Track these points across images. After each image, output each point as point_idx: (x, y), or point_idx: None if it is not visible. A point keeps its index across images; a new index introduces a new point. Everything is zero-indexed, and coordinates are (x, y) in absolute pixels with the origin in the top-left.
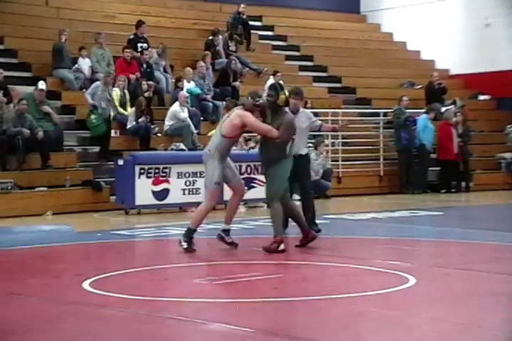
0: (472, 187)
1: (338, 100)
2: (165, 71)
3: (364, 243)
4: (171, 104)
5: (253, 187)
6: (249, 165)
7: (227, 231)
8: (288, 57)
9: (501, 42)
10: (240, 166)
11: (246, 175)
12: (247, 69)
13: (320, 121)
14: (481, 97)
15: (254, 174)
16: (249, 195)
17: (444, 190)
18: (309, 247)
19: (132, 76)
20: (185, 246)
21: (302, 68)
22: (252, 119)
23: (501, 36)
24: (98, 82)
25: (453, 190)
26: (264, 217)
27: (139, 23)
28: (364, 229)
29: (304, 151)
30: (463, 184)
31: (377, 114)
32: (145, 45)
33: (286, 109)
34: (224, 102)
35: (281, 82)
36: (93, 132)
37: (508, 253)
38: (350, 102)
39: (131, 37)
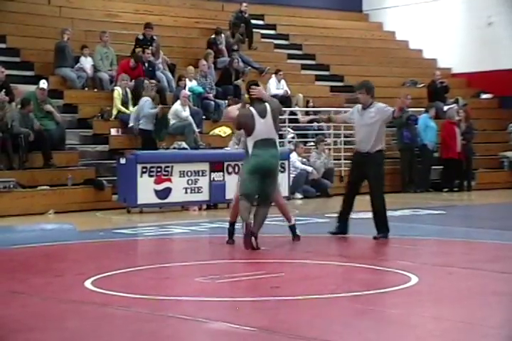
0: (474, 185)
1: (341, 99)
2: (163, 68)
3: (366, 242)
4: (173, 103)
5: None
6: None
7: (292, 227)
8: (290, 56)
9: (504, 41)
10: None
11: None
12: (249, 68)
13: (391, 108)
14: (484, 96)
15: None
16: None
17: (446, 189)
18: (312, 246)
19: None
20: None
21: (304, 67)
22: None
23: (504, 35)
24: (149, 99)
25: (455, 189)
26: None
27: (147, 26)
28: (366, 227)
29: (370, 149)
30: (465, 183)
31: None
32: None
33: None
34: (226, 101)
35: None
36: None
37: (511, 252)
38: (353, 101)
39: (141, 37)
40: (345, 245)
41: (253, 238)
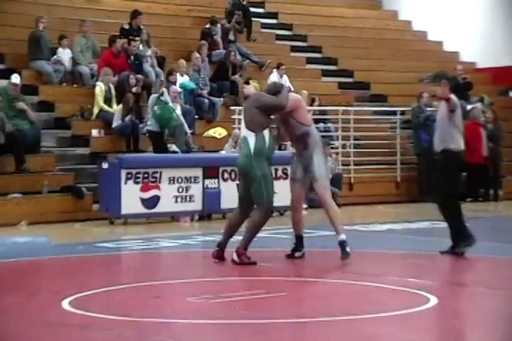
0: (501, 195)
1: (350, 97)
2: (152, 63)
3: (379, 257)
4: None
5: None
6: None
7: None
8: (293, 49)
9: None
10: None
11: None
12: (248, 61)
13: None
14: (511, 93)
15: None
16: None
17: (470, 199)
18: (317, 262)
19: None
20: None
21: (310, 61)
22: None
23: None
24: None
25: (480, 199)
26: (269, 228)
27: (135, 14)
28: (379, 241)
29: (437, 147)
30: (491, 191)
31: (393, 113)
32: (138, 38)
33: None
34: (222, 98)
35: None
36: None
37: None
38: (364, 99)
39: (126, 27)
40: (355, 261)
41: (235, 253)
